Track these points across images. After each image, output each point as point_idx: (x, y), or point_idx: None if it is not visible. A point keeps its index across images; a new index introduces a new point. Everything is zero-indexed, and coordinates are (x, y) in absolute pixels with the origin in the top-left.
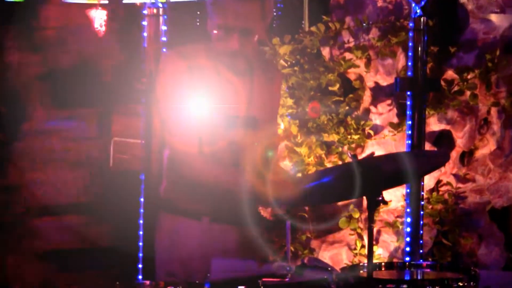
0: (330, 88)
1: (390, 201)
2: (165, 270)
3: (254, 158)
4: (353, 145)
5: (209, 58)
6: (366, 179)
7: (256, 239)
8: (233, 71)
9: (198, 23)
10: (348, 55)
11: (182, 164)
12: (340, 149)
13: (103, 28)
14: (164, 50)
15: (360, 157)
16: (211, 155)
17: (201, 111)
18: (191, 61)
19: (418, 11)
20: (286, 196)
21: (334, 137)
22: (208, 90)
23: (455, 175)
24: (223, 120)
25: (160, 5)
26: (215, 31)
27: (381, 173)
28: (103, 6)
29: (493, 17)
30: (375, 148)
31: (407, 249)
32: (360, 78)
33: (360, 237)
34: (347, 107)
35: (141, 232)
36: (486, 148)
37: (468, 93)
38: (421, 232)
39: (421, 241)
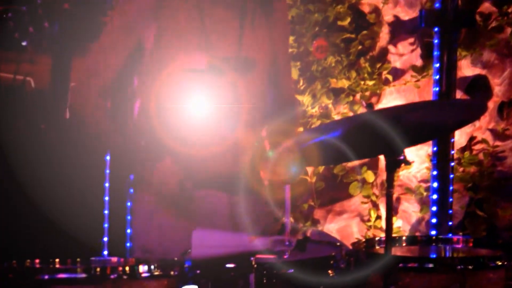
0: (339, 23)
1: (413, 161)
2: (141, 246)
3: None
4: (367, 93)
5: None
6: (384, 134)
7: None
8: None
9: None
10: None
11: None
12: (351, 97)
13: None
14: None
15: (376, 107)
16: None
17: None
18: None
19: None
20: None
21: (343, 83)
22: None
23: (492, 131)
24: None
25: None
26: None
27: (402, 127)
28: None
29: None
30: (394, 96)
31: (433, 220)
32: (376, 10)
33: (375, 206)
34: (359, 47)
35: (106, 198)
36: None
37: (508, 30)
38: (450, 200)
39: (450, 211)
